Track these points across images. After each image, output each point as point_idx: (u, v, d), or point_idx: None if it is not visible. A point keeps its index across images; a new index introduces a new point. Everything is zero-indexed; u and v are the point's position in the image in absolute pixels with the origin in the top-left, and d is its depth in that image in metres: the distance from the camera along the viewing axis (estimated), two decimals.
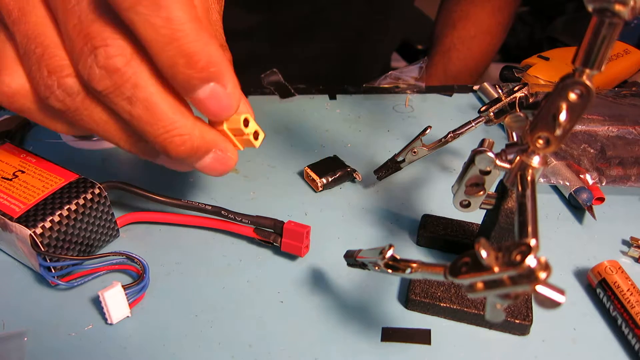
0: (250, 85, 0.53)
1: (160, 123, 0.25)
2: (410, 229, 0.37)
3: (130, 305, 0.30)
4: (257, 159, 0.44)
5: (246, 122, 0.27)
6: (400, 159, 0.38)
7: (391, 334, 0.30)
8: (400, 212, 0.39)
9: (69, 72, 0.24)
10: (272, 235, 0.34)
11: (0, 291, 0.32)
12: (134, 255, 0.31)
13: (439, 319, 0.31)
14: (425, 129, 0.36)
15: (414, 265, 0.24)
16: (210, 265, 0.34)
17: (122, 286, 0.29)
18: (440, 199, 0.40)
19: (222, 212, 0.34)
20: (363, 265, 0.27)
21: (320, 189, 0.40)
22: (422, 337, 0.30)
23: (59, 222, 0.30)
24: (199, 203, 0.34)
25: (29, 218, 0.29)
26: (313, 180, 0.40)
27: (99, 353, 0.28)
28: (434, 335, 0.30)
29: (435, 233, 0.35)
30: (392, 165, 0.39)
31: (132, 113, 0.25)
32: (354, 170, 0.41)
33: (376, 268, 0.26)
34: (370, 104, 0.52)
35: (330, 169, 0.40)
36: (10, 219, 0.29)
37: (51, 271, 0.30)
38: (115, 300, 0.29)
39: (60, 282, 0.30)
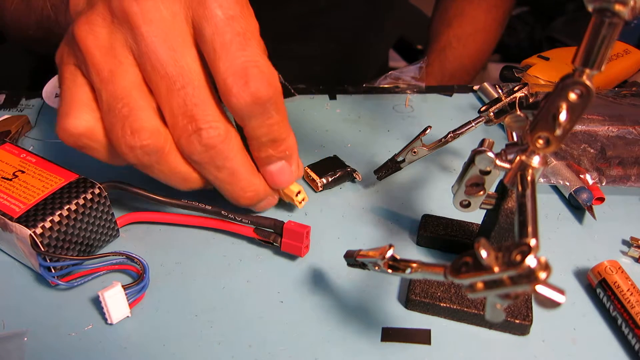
0: None
1: (240, 184, 0.31)
2: (410, 229, 0.37)
3: (130, 305, 0.30)
4: None
5: (299, 193, 0.35)
6: (400, 159, 0.38)
7: (391, 334, 0.30)
8: (400, 212, 0.39)
9: (150, 136, 0.28)
10: (272, 235, 0.34)
11: (0, 291, 0.32)
12: (133, 255, 0.31)
13: (439, 319, 0.31)
14: (425, 129, 0.36)
15: (414, 265, 0.24)
16: (210, 265, 0.34)
17: (122, 286, 0.29)
18: (440, 199, 0.40)
19: (222, 212, 0.34)
20: (363, 265, 0.27)
21: (320, 189, 0.40)
22: (422, 337, 0.30)
23: (59, 222, 0.30)
24: (198, 203, 0.34)
25: (29, 218, 0.29)
26: (313, 180, 0.40)
27: (99, 353, 0.28)
28: (434, 335, 0.30)
29: (435, 233, 0.35)
30: (392, 165, 0.39)
31: (217, 176, 0.30)
32: (354, 170, 0.41)
33: (376, 268, 0.26)
34: (370, 104, 0.52)
35: (330, 169, 0.40)
36: (10, 219, 0.29)
37: (51, 271, 0.30)
38: (115, 300, 0.29)
39: (60, 282, 0.30)
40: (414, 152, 0.37)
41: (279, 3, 0.61)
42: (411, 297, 0.31)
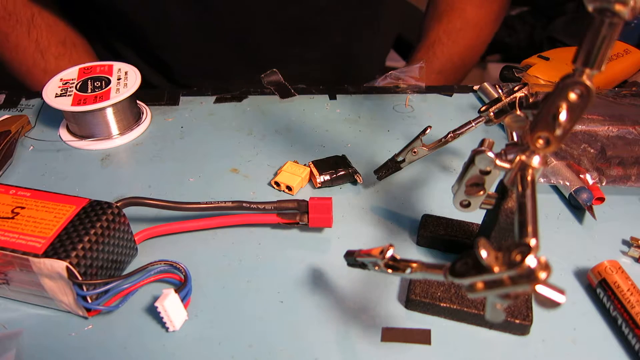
0: (250, 85, 0.53)
1: None
2: (410, 229, 0.37)
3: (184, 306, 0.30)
4: (257, 159, 0.44)
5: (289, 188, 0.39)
6: (400, 159, 0.38)
7: (391, 334, 0.30)
8: (400, 212, 0.39)
9: None
10: (297, 215, 0.35)
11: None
12: (177, 263, 0.31)
13: (439, 319, 0.31)
14: (425, 129, 0.36)
15: (414, 265, 0.24)
16: (210, 265, 0.34)
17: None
18: (440, 199, 0.40)
19: (244, 204, 0.34)
20: (363, 265, 0.27)
21: (318, 185, 0.40)
22: (422, 337, 0.30)
23: (90, 249, 0.28)
24: (219, 202, 0.34)
25: (57, 250, 0.28)
26: (314, 175, 0.40)
27: (99, 353, 0.28)
28: (434, 335, 0.30)
29: (435, 233, 0.35)
30: (392, 165, 0.39)
31: None
32: (356, 172, 0.41)
33: (376, 268, 0.26)
34: (370, 104, 0.52)
35: (333, 168, 0.40)
36: (36, 255, 0.28)
37: (87, 301, 0.29)
38: (174, 307, 0.29)
39: (102, 307, 0.29)
40: (414, 152, 0.37)
41: (278, 7, 0.60)
42: (411, 297, 0.31)
